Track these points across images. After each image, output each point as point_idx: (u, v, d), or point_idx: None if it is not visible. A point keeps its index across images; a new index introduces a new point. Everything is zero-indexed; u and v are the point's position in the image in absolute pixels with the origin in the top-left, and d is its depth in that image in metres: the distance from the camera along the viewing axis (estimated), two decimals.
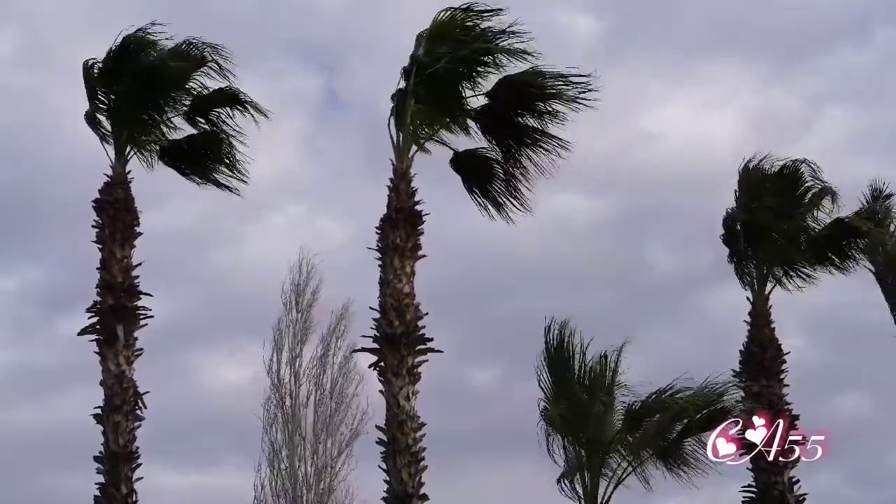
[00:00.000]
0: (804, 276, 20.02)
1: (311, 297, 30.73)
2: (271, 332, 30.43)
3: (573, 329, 19.18)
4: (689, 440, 18.95)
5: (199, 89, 18.55)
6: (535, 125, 18.21)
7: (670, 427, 18.83)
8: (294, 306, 30.60)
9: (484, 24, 17.71)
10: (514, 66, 17.73)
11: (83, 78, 18.29)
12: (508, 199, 18.64)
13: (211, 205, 34.51)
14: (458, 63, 17.76)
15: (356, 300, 29.51)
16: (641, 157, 40.15)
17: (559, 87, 17.68)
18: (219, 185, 19.21)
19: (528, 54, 17.51)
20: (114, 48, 18.08)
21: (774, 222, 19.40)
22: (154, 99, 18.45)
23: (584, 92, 17.51)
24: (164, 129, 18.84)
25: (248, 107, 18.46)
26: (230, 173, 19.10)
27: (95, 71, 18.28)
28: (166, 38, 18.18)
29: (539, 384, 19.04)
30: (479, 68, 17.96)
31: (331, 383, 29.80)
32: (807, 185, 19.77)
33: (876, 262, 19.66)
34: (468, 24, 17.76)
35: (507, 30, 17.51)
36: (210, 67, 18.22)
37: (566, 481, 18.84)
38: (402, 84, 17.77)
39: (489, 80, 18.05)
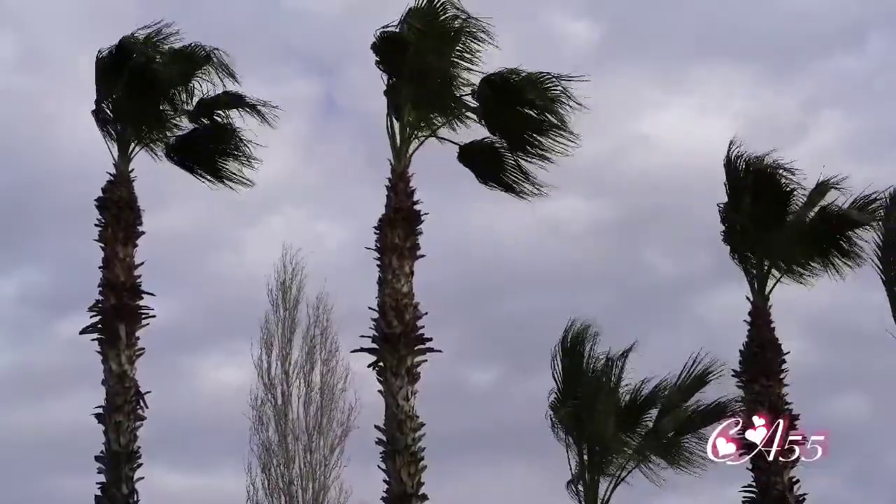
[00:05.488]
0: (804, 274, 19.86)
1: (296, 293, 30.53)
2: (259, 332, 30.36)
3: (592, 331, 19.17)
4: (687, 437, 18.93)
5: (203, 90, 18.62)
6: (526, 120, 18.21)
7: (663, 421, 18.83)
8: (281, 304, 30.44)
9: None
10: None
11: (95, 71, 18.17)
12: (523, 184, 18.69)
13: (210, 206, 34.52)
14: (435, 42, 17.72)
15: (339, 296, 29.78)
16: (638, 160, 40.19)
17: (542, 88, 17.75)
18: (228, 179, 19.21)
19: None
20: (116, 46, 18.04)
21: (756, 224, 19.27)
22: (157, 98, 18.45)
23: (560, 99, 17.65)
24: (169, 127, 18.85)
25: (256, 108, 18.53)
26: (240, 167, 19.13)
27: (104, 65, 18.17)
28: (167, 39, 18.27)
29: (555, 380, 19.01)
30: (459, 54, 17.98)
31: (320, 378, 29.69)
32: (789, 185, 19.54)
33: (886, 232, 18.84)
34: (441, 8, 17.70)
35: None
36: (213, 69, 18.28)
37: (575, 485, 18.72)
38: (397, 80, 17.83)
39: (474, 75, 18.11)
